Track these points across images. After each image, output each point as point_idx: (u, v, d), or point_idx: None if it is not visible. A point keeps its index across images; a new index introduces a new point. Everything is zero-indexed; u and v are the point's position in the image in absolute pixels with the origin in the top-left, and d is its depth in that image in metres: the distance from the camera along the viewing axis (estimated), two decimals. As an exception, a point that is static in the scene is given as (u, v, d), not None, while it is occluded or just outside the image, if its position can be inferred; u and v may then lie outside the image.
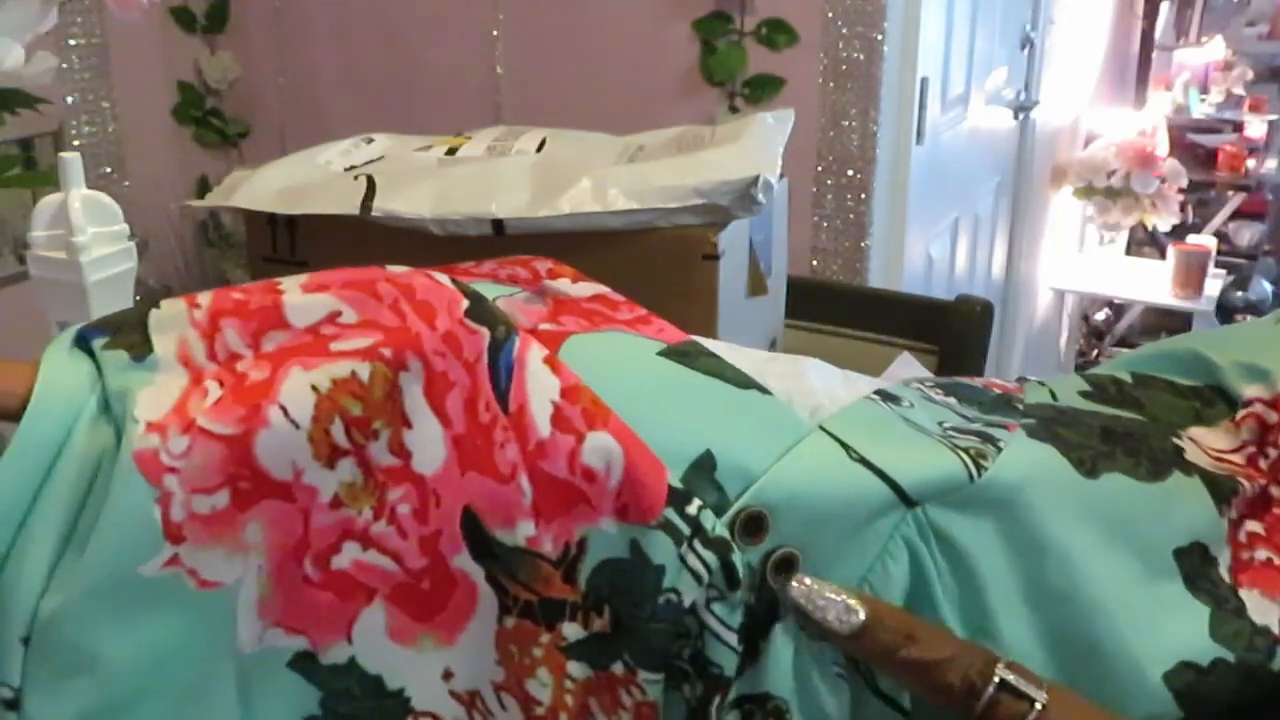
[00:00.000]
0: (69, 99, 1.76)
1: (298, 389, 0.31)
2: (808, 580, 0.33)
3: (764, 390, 0.34)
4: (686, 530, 0.33)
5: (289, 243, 0.81)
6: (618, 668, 0.33)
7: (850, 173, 1.64)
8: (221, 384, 0.31)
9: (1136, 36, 3.42)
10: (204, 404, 0.31)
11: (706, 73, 1.74)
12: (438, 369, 0.32)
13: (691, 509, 0.33)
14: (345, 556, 0.32)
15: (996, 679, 0.33)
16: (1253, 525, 0.39)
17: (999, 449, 0.35)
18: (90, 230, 0.52)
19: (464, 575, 0.33)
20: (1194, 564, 0.37)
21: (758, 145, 0.79)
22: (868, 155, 1.64)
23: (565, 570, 0.33)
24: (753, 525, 0.33)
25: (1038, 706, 0.32)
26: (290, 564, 0.32)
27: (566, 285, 0.36)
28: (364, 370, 0.31)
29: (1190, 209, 3.25)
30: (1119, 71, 3.39)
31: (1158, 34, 3.40)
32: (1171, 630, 0.36)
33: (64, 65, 1.72)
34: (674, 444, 0.33)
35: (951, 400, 0.37)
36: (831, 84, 1.66)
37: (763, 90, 1.72)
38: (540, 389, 0.32)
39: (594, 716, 0.34)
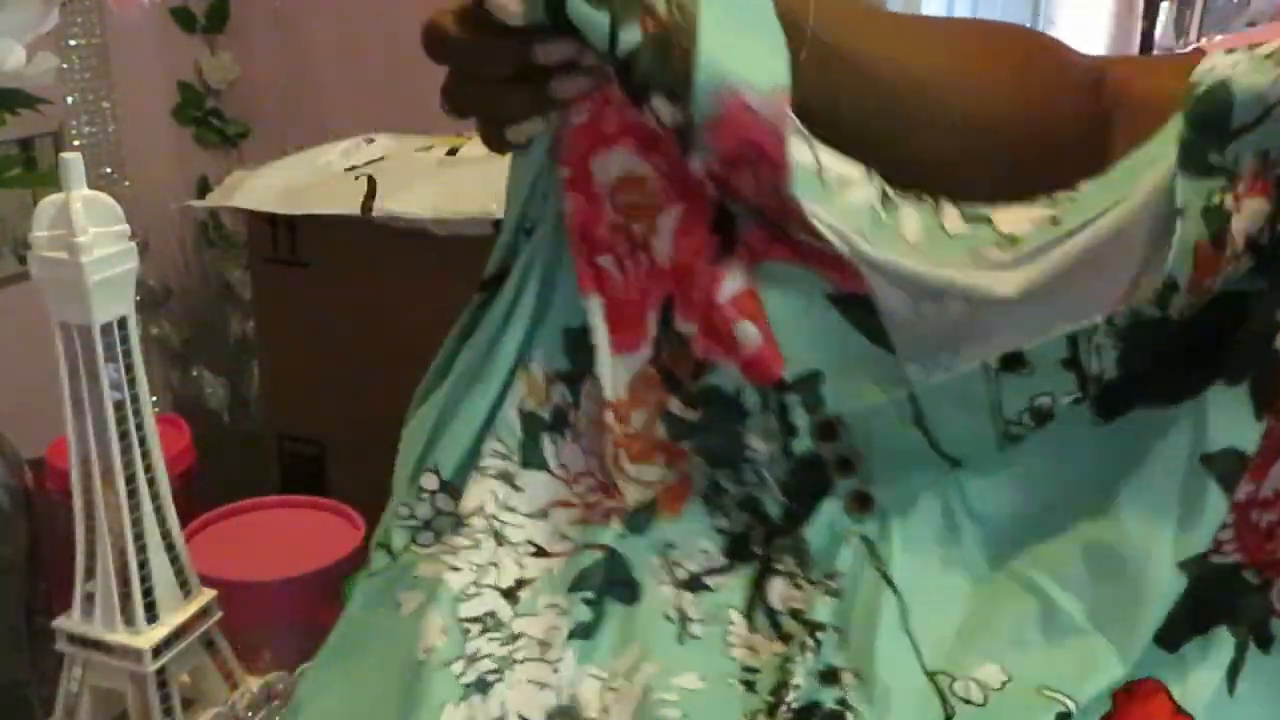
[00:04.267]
0: (69, 99, 1.75)
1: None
2: None
3: (889, 349, 0.45)
4: (775, 406, 0.46)
5: (289, 243, 0.81)
6: (686, 445, 0.47)
7: (850, 173, 1.64)
8: None
9: (1136, 36, 3.42)
10: None
11: (707, 73, 1.74)
12: (685, 225, 0.46)
13: (787, 397, 0.46)
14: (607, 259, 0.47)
15: None
16: None
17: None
18: (92, 231, 0.52)
19: (646, 321, 0.47)
20: (1228, 465, 0.40)
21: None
22: (868, 155, 1.64)
23: (694, 370, 0.47)
24: (828, 429, 0.46)
25: None
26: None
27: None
28: (653, 182, 0.46)
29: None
30: (1119, 71, 3.38)
31: (1158, 34, 3.39)
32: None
33: (64, 65, 1.72)
34: (805, 356, 0.45)
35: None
36: (832, 84, 1.66)
37: (763, 90, 1.72)
38: (734, 280, 0.45)
39: (658, 464, 0.47)
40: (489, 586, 0.47)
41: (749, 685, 0.45)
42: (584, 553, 0.48)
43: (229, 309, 1.84)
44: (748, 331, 0.45)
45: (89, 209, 0.52)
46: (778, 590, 0.47)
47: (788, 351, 0.46)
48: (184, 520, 0.62)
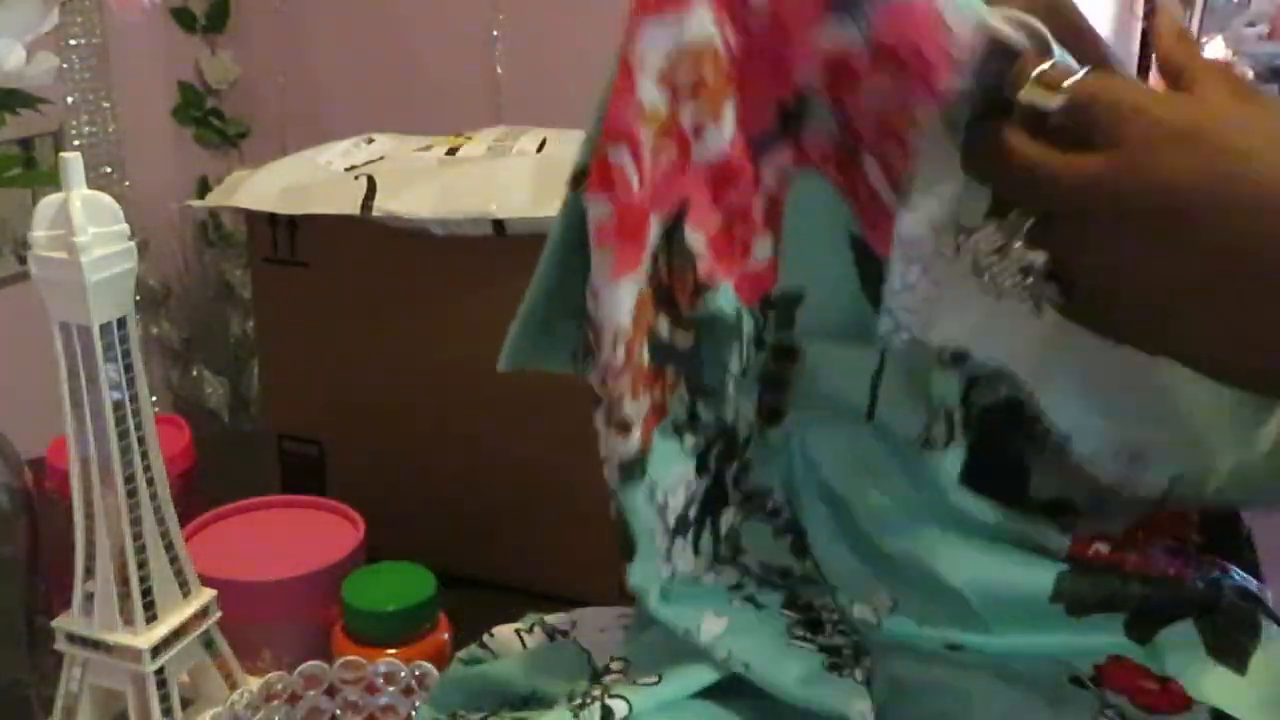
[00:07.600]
0: (69, 99, 1.75)
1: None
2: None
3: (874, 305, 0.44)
4: (753, 323, 0.45)
5: (289, 243, 0.81)
6: (670, 371, 0.45)
7: (850, 173, 1.64)
8: None
9: (1137, 36, 3.42)
10: None
11: (707, 73, 1.74)
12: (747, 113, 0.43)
13: (768, 312, 0.46)
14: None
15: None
16: None
17: None
18: (91, 230, 0.52)
19: (647, 233, 0.42)
20: None
21: (758, 145, 0.78)
22: (868, 155, 1.63)
23: (694, 291, 0.43)
24: (787, 354, 0.46)
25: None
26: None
27: None
28: (724, 58, 0.41)
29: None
30: (1119, 71, 3.37)
31: (1158, 34, 3.38)
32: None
33: (64, 65, 1.71)
34: (798, 274, 0.45)
35: None
36: (832, 84, 1.66)
37: (763, 90, 1.72)
38: (770, 178, 0.44)
39: (645, 395, 0.44)
40: None
41: None
42: None
43: (229, 309, 1.84)
44: (764, 246, 0.44)
45: (89, 209, 0.52)
46: (727, 519, 0.48)
47: (785, 262, 0.44)
48: (184, 520, 0.62)
